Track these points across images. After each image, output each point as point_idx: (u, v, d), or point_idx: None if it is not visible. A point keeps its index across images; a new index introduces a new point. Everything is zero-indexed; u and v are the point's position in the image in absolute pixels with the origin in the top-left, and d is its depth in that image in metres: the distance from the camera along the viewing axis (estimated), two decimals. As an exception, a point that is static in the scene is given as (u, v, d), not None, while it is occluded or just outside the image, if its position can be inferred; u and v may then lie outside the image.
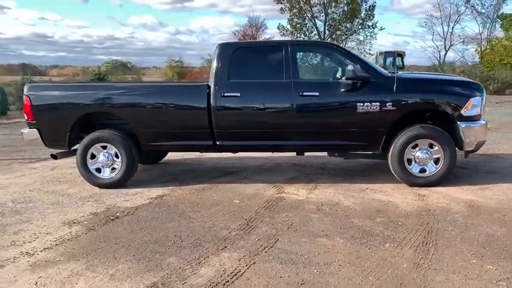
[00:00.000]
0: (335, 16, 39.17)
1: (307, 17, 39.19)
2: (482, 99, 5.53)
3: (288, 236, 4.01)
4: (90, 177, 5.82)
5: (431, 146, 5.46)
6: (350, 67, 5.21)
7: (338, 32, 39.78)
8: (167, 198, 5.31)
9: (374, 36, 40.53)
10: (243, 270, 3.33)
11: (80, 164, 5.79)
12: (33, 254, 3.73)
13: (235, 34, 42.03)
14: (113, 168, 5.82)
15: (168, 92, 5.96)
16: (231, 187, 5.74)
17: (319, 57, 6.21)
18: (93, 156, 5.82)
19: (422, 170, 5.53)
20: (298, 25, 38.70)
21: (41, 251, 3.79)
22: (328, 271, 3.29)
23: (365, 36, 40.93)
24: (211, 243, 3.87)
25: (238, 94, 5.54)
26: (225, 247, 3.79)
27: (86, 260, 3.58)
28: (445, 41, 41.26)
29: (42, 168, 7.24)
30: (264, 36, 41.34)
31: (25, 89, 5.86)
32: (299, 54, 5.74)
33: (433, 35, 41.47)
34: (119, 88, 6.14)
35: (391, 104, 5.35)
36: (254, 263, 3.45)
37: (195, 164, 7.33)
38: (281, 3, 38.13)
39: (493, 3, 34.60)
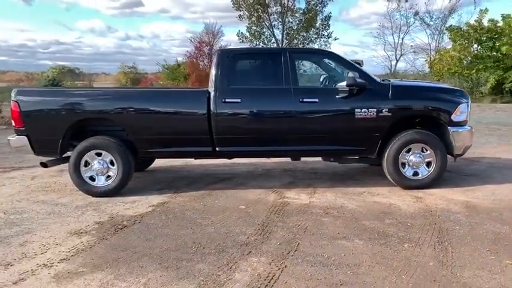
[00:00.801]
0: (292, 25, 39.85)
1: (265, 25, 39.62)
2: (467, 105, 5.87)
3: (307, 239, 4.07)
4: (84, 185, 5.63)
5: (423, 150, 5.71)
6: (351, 74, 5.38)
7: (295, 41, 40.48)
8: (170, 206, 5.23)
9: (328, 45, 41.59)
10: (277, 274, 3.36)
11: (72, 172, 5.59)
12: (51, 266, 3.57)
13: (191, 41, 41.78)
14: (108, 176, 5.65)
15: (167, 97, 5.88)
16: (231, 193, 5.73)
17: (315, 64, 6.33)
18: (86, 164, 5.63)
19: (415, 173, 5.77)
20: (256, 33, 39.03)
21: (58, 263, 3.64)
22: (361, 271, 3.38)
23: (320, 45, 41.89)
24: (234, 249, 3.87)
25: (239, 100, 5.57)
26: (250, 252, 3.79)
27: (111, 270, 3.47)
28: (395, 50, 42.96)
29: (22, 178, 6.91)
30: (221, 43, 41.45)
31: (13, 94, 5.59)
32: (298, 61, 5.83)
33: (385, 44, 43.10)
34: (117, 93, 6.01)
35: (387, 110, 5.56)
36: (286, 267, 3.48)
37: (184, 171, 7.25)
38: (240, 11, 38.36)
39: (440, 16, 36.49)
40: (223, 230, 4.38)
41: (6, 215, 4.99)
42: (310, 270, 3.42)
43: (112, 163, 5.62)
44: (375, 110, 5.55)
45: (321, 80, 6.14)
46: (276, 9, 37.96)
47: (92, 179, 5.66)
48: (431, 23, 36.99)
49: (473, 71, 29.23)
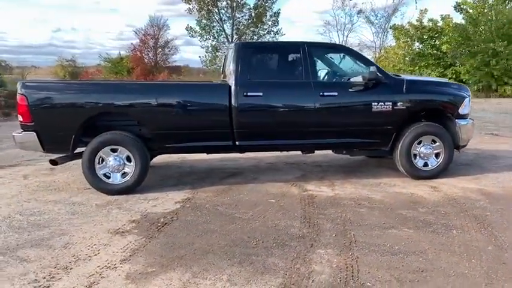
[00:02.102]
0: (243, 20, 39.87)
1: (215, 20, 39.33)
2: (469, 99, 6.22)
3: (358, 230, 4.15)
4: (99, 183, 5.36)
5: (433, 141, 5.98)
6: (373, 68, 5.52)
7: (245, 37, 40.51)
8: (197, 202, 5.11)
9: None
10: (354, 264, 3.40)
11: (87, 169, 5.30)
12: (115, 267, 3.39)
13: (136, 33, 40.62)
14: (124, 173, 5.42)
15: (188, 91, 5.71)
16: (250, 187, 5.70)
17: (332, 58, 6.41)
18: (100, 161, 5.36)
19: (425, 164, 6.03)
20: (206, 27, 38.66)
21: (120, 264, 3.45)
22: (431, 258, 3.50)
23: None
24: (294, 242, 3.86)
25: (261, 94, 5.54)
26: (312, 245, 3.81)
27: (183, 269, 3.35)
28: (341, 47, 44.20)
29: (12, 177, 6.44)
30: (166, 37, 40.68)
31: (19, 87, 5.19)
32: (316, 55, 5.88)
33: (330, 42, 44.30)
34: (135, 86, 5.74)
35: (401, 103, 5.77)
36: (358, 257, 3.53)
37: (186, 166, 7.09)
38: (189, 4, 37.77)
39: (384, 15, 38.06)
40: (268, 223, 4.35)
41: (24, 216, 4.64)
42: (383, 259, 3.49)
43: (128, 159, 5.38)
44: (391, 103, 5.74)
45: (337, 74, 6.22)
46: (227, 3, 37.74)
47: (106, 176, 5.39)
48: (376, 21, 38.50)
49: (416, 67, 30.86)
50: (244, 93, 5.47)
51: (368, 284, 3.08)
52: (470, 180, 5.96)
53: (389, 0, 39.16)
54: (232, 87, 5.47)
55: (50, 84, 6.10)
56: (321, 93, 5.62)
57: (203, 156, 7.15)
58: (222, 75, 7.03)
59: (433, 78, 7.79)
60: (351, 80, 5.75)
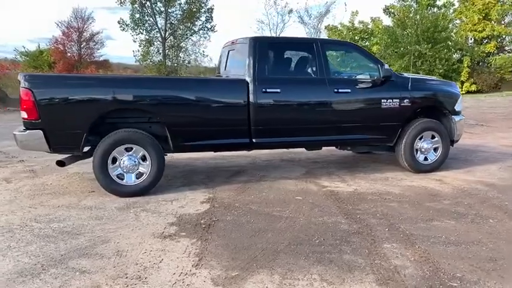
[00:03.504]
0: (176, 15, 39.03)
1: (147, 13, 38.10)
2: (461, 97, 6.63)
3: (404, 223, 4.23)
4: (111, 184, 4.99)
5: (432, 137, 6.28)
6: (387, 66, 5.67)
7: (179, 31, 39.73)
8: (224, 201, 4.93)
9: (208, 38, 41.42)
10: (430, 257, 3.46)
11: (99, 170, 4.90)
12: (193, 274, 3.17)
13: (58, 25, 38.09)
14: (138, 174, 5.09)
15: (207, 86, 5.46)
16: (267, 185, 5.61)
17: (342, 55, 6.47)
18: (113, 161, 4.99)
19: (425, 159, 6.33)
20: (139, 21, 37.36)
21: (196, 269, 3.23)
22: (491, 247, 3.66)
23: (198, 38, 41.49)
24: (355, 238, 3.86)
25: (279, 90, 5.47)
26: (373, 240, 3.83)
27: (268, 271, 3.21)
28: (274, 46, 44.93)
29: (-8, 181, 5.79)
30: (91, 29, 38.58)
31: (22, 80, 4.65)
32: (328, 52, 5.91)
33: (264, 40, 44.78)
34: (153, 81, 5.39)
35: (407, 100, 6.00)
36: (426, 250, 3.61)
37: (182, 165, 6.83)
38: (121, -5, 36.25)
39: (318, 16, 39.23)
40: (313, 220, 4.31)
41: (42, 223, 4.20)
42: (450, 250, 3.60)
43: (143, 159, 5.06)
44: (398, 100, 5.94)
45: (347, 71, 6.31)
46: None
47: (120, 177, 5.03)
48: (310, 21, 39.56)
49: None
50: (263, 90, 5.36)
51: (458, 274, 3.16)
52: (465, 173, 6.34)
53: (321, 1, 40.46)
54: (251, 84, 5.33)
55: (60, 77, 5.56)
56: (335, 90, 5.67)
57: (192, 155, 6.95)
58: (216, 73, 6.87)
59: (431, 77, 8.14)
60: (362, 77, 5.85)
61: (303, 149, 6.44)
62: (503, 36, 33.27)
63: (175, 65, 40.47)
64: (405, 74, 6.78)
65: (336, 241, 3.78)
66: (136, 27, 37.63)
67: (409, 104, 6.01)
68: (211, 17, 41.29)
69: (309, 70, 5.71)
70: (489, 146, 8.44)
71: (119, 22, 37.71)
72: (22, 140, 4.74)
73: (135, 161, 5.02)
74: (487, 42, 33.03)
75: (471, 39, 34.25)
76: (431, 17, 29.24)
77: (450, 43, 30.49)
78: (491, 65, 31.79)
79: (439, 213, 4.56)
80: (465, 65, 28.94)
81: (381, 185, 5.65)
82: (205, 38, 42.04)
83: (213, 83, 5.59)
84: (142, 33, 37.93)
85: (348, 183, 5.76)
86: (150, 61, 39.32)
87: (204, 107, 5.24)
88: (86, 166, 6.31)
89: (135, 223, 4.22)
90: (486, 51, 32.11)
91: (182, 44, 41.03)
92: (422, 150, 6.25)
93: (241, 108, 5.30)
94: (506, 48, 34.28)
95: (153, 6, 38.24)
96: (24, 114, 4.68)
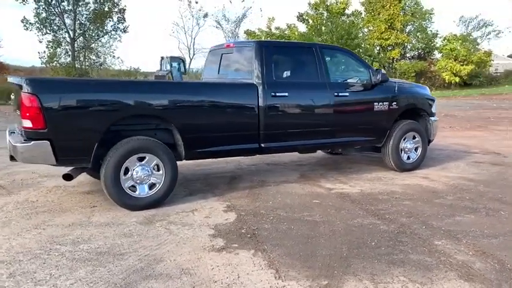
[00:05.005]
0: (87, 15, 36.92)
1: (55, 12, 35.53)
2: (434, 99, 7.15)
3: (432, 221, 4.44)
4: (123, 197, 4.60)
5: (413, 137, 6.69)
6: (383, 70, 5.91)
7: (90, 32, 37.64)
8: (247, 209, 4.78)
9: (119, 39, 39.69)
10: (484, 251, 3.67)
11: (111, 182, 4.49)
12: (284, 287, 3.04)
13: None
14: (151, 185, 4.76)
15: (219, 90, 5.21)
16: (275, 190, 5.55)
17: (338, 59, 6.57)
18: (125, 172, 4.61)
19: (408, 158, 6.71)
20: (45, 20, 34.70)
21: (282, 281, 3.11)
22: (528, 237, 4.01)
23: (108, 39, 39.64)
24: (404, 238, 3.96)
25: (287, 94, 5.45)
26: (420, 238, 3.97)
27: (353, 277, 3.19)
28: (189, 50, 44.61)
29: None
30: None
31: (24, 85, 4.09)
32: (327, 56, 5.98)
33: (179, 43, 44.21)
34: (169, 86, 5.02)
35: (395, 103, 6.32)
36: (475, 244, 3.83)
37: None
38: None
39: (235, 20, 39.66)
40: (349, 223, 4.36)
41: (68, 246, 3.74)
42: (495, 242, 3.85)
43: (157, 168, 4.74)
44: (388, 103, 6.24)
45: (343, 75, 6.44)
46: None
47: (131, 189, 4.67)
48: (227, 25, 39.84)
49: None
50: (272, 94, 5.31)
51: (525, 265, 3.40)
52: (441, 170, 6.82)
53: (238, 6, 40.87)
54: (260, 87, 5.25)
55: (71, 80, 4.93)
56: (336, 94, 5.79)
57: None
58: (202, 77, 6.67)
59: (409, 82, 8.58)
60: (355, 80, 6.04)
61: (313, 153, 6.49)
62: (406, 44, 36.51)
63: (87, 67, 38.37)
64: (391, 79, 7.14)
65: (389, 242, 3.86)
66: (42, 27, 34.91)
67: (397, 107, 6.33)
68: (124, 18, 39.72)
69: (312, 74, 5.74)
70: (442, 145, 9.14)
71: (22, 21, 34.72)
72: (25, 151, 4.16)
73: (148, 171, 4.67)
74: (391, 49, 35.99)
75: (377, 46, 37.03)
76: (345, 25, 31.02)
77: (361, 50, 32.61)
78: (396, 70, 34.65)
79: (453, 209, 4.85)
80: (375, 70, 31.03)
81: (380, 185, 5.87)
82: (115, 39, 40.32)
83: (225, 87, 5.37)
84: (48, 33, 35.29)
85: (349, 184, 5.90)
86: (58, 63, 36.72)
87: (216, 111, 5.05)
88: (62, 180, 5.76)
89: (173, 238, 3.93)
90: (392, 58, 34.98)
91: (93, 45, 39.00)
92: (406, 150, 6.61)
93: (252, 113, 5.20)
94: (407, 55, 37.74)
95: (60, 4, 35.76)
96: (27, 123, 4.11)
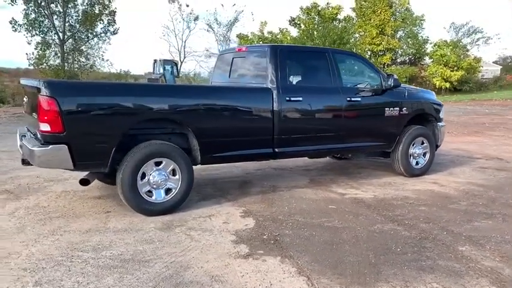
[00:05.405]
0: (77, 16, 36.58)
1: (44, 14, 35.12)
2: (441, 105, 7.19)
3: (451, 226, 4.44)
4: (140, 202, 4.53)
5: (422, 143, 6.71)
6: (395, 76, 5.92)
7: (80, 34, 37.28)
8: (264, 214, 4.74)
9: (109, 41, 39.30)
10: (510, 256, 3.70)
11: (129, 188, 4.42)
12: (319, 294, 3.01)
13: None
14: (167, 190, 4.70)
15: (236, 94, 5.16)
16: (289, 196, 5.51)
17: (349, 64, 6.56)
18: (142, 177, 4.54)
19: (416, 163, 6.73)
20: (34, 21, 34.29)
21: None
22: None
23: (97, 41, 39.24)
24: (428, 243, 3.96)
25: (301, 98, 5.42)
26: (444, 244, 3.97)
27: (384, 284, 3.17)
28: (179, 53, 44.42)
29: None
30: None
31: (42, 87, 4.00)
32: (339, 61, 5.97)
33: (170, 46, 44.08)
34: (188, 90, 4.95)
35: (405, 108, 6.34)
36: (498, 249, 3.83)
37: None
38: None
39: (227, 24, 39.63)
40: (370, 229, 4.34)
41: (90, 253, 3.66)
42: (518, 248, 3.88)
43: (173, 173, 4.68)
44: (398, 108, 6.25)
45: (354, 80, 6.43)
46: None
47: (148, 194, 4.60)
48: (219, 29, 39.81)
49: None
50: (287, 98, 5.28)
51: (552, 271, 3.41)
52: (449, 175, 6.85)
53: (229, 10, 40.99)
54: (274, 92, 5.22)
55: (88, 84, 4.84)
56: (348, 99, 5.79)
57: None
58: (211, 82, 6.63)
59: (417, 88, 8.62)
60: (370, 86, 6.04)
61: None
62: (397, 49, 36.86)
63: (76, 69, 38.02)
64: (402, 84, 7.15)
65: (414, 248, 3.85)
66: (31, 28, 34.47)
67: (407, 112, 6.35)
68: (114, 20, 39.40)
69: (325, 79, 5.73)
70: (443, 150, 9.15)
71: (10, 22, 34.25)
72: (42, 155, 4.06)
73: (165, 176, 4.60)
74: (382, 54, 36.28)
75: (368, 52, 37.29)
76: (337, 30, 31.18)
77: (353, 54, 32.71)
78: (388, 75, 34.90)
79: (469, 214, 4.86)
80: (367, 75, 31.25)
81: (392, 190, 5.87)
82: (104, 41, 39.92)
83: (241, 92, 5.32)
84: (38, 34, 34.86)
85: (361, 189, 5.89)
86: (47, 65, 36.30)
87: (232, 116, 5.01)
88: (68, 184, 5.73)
89: (196, 244, 3.87)
90: (383, 63, 35.26)
91: (83, 47, 38.64)
92: (415, 155, 6.63)
93: (267, 118, 5.17)
94: (398, 60, 38.10)
95: (49, 5, 35.33)
96: (45, 127, 4.02)
